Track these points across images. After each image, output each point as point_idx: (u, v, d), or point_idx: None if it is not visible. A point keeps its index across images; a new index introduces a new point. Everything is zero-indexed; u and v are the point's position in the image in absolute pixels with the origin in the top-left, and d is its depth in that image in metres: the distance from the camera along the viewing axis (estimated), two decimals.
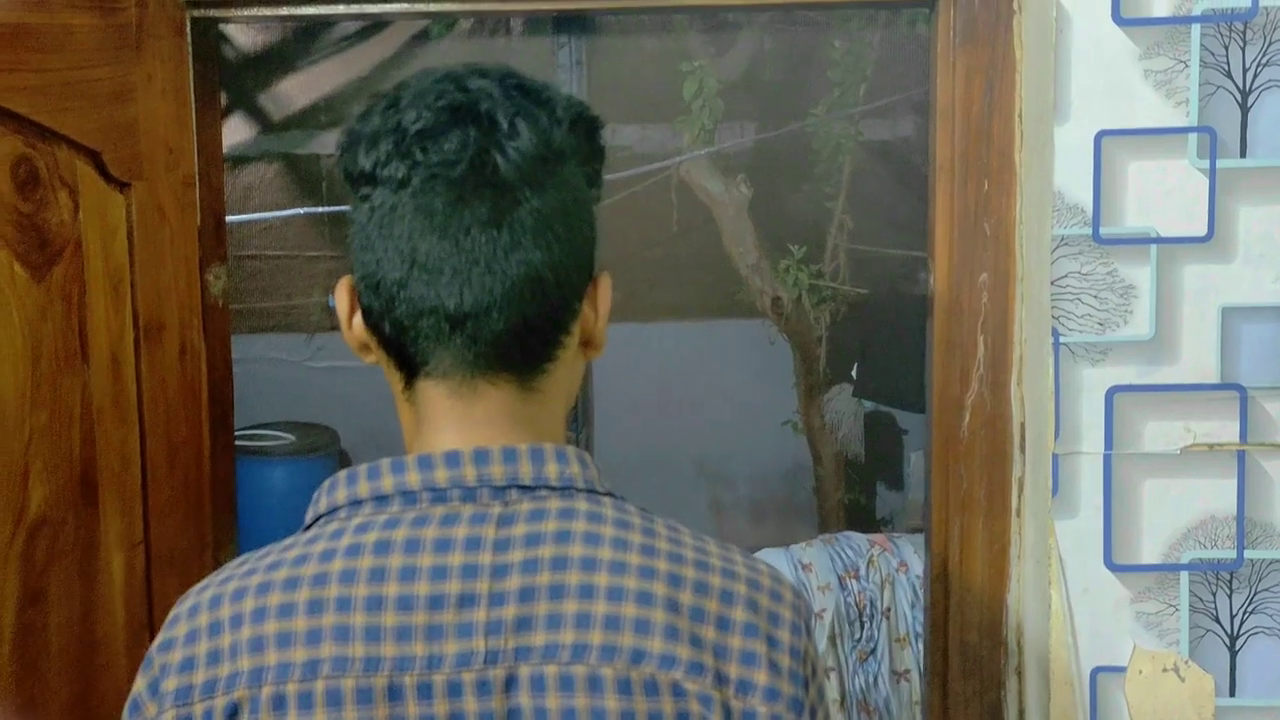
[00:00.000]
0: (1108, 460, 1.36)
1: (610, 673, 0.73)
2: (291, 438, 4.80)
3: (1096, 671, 1.38)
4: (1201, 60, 1.31)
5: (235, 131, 1.94)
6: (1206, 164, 1.33)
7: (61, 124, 1.32)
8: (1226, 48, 1.31)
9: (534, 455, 0.80)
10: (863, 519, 4.41)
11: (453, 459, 0.79)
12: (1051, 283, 1.36)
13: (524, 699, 0.73)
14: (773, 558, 3.28)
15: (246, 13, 1.59)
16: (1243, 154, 1.32)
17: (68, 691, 1.37)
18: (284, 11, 1.58)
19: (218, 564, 1.65)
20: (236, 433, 4.70)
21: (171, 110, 1.49)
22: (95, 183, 1.37)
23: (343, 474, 0.83)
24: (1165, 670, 1.36)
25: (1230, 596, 1.35)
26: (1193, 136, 1.33)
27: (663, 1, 1.66)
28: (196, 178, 1.56)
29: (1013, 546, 1.50)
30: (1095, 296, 1.35)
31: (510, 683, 0.74)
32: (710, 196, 4.13)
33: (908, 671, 3.15)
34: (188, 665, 0.79)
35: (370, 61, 1.96)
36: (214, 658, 0.79)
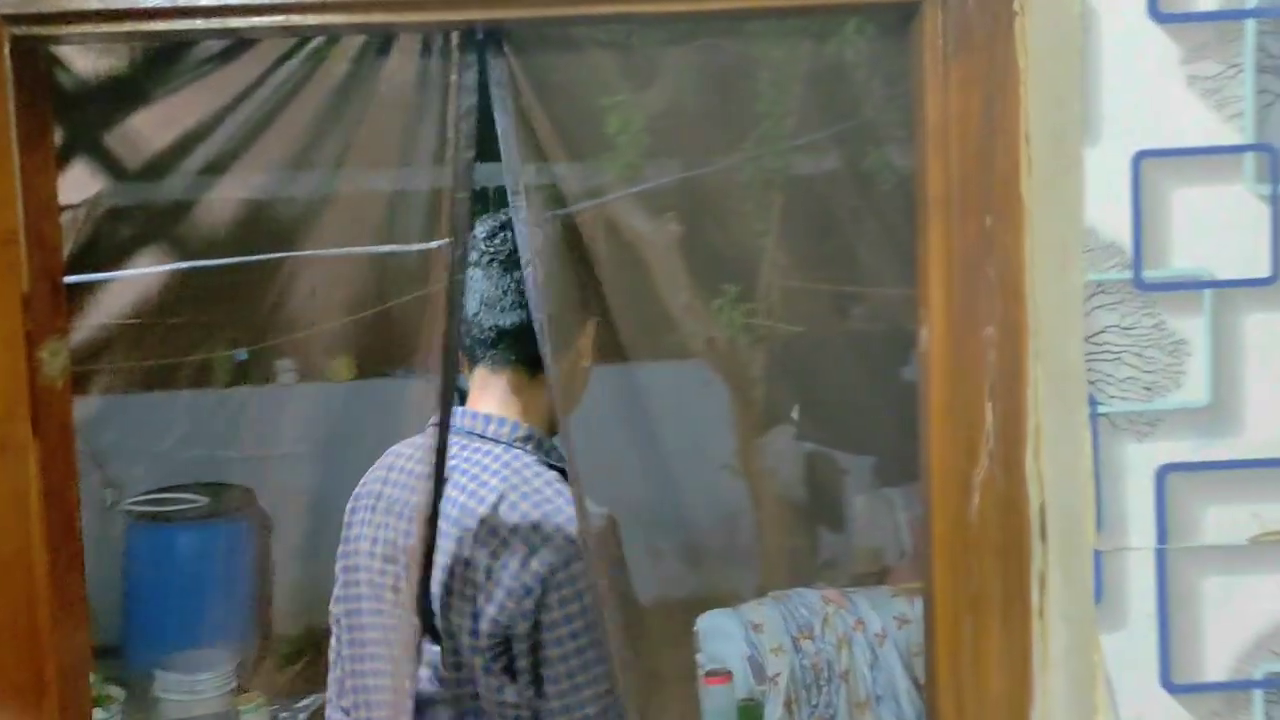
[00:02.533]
0: (1161, 556, 1.08)
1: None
2: (204, 499, 4.40)
3: None
4: (1257, 64, 1.04)
5: (78, 177, 1.62)
6: (1267, 189, 1.05)
7: None
8: None
9: (499, 421, 1.45)
10: (804, 562, 4.13)
11: (471, 415, 1.46)
12: (1086, 339, 1.08)
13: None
14: (722, 619, 2.97)
15: (81, 30, 1.25)
16: None
17: None
18: (128, 28, 1.25)
19: (64, 708, 1.29)
20: (140, 498, 4.19)
21: None
22: None
23: (457, 410, 1.46)
24: None
25: None
26: (1249, 156, 1.05)
27: (598, 9, 1.35)
28: (21, 232, 1.22)
29: (1035, 653, 1.20)
30: (1139, 355, 1.07)
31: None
32: (638, 235, 3.84)
33: None
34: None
35: (236, 86, 1.64)
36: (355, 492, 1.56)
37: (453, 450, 1.41)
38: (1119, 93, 1.06)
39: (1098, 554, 1.08)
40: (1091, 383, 1.08)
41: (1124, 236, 1.07)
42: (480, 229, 1.49)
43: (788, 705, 2.88)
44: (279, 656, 4.52)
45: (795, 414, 3.98)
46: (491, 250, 1.47)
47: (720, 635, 2.98)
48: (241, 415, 4.66)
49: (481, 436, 1.44)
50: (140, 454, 4.22)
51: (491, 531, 1.36)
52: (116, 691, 3.62)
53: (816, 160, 4.08)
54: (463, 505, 1.38)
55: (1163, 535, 1.08)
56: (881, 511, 3.94)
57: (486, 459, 1.42)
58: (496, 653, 1.35)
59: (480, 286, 1.45)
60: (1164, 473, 1.08)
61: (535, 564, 1.33)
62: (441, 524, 1.37)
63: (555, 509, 1.38)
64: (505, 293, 1.45)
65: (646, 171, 3.87)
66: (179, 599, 4.19)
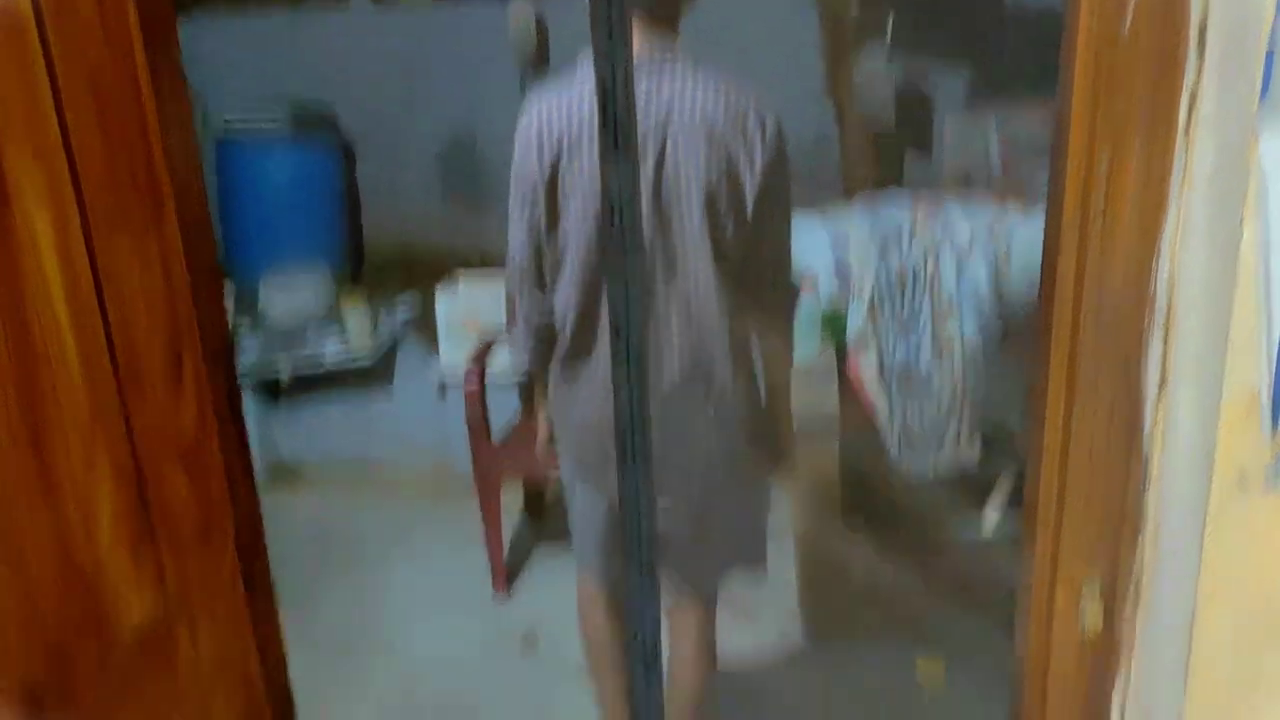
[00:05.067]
0: None
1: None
2: (286, 121, 4.34)
3: None
4: None
5: None
6: None
7: None
8: None
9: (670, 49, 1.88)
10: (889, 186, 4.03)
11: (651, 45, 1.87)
12: None
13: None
14: (808, 227, 2.93)
15: None
16: None
17: None
18: None
19: (185, 225, 1.28)
20: (226, 118, 4.12)
21: None
22: None
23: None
24: None
25: None
26: None
27: None
28: None
29: (1175, 173, 1.12)
30: None
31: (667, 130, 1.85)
32: None
33: (951, 341, 2.87)
34: (524, 131, 1.93)
35: None
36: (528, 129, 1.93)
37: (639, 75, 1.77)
38: None
39: (1270, 55, 0.98)
40: None
41: None
42: None
43: (870, 310, 2.88)
44: (374, 270, 4.64)
45: (889, 27, 3.75)
46: None
47: (807, 245, 2.94)
48: (319, 39, 4.52)
49: (661, 60, 1.85)
50: (219, 76, 4.12)
51: (741, 112, 1.84)
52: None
53: None
54: (697, 107, 1.83)
55: None
56: (974, 133, 3.78)
57: (682, 71, 1.85)
58: (759, 202, 1.88)
59: None
60: None
61: (773, 122, 1.87)
62: (676, 126, 1.83)
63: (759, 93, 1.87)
64: None
65: None
66: (272, 218, 4.24)
